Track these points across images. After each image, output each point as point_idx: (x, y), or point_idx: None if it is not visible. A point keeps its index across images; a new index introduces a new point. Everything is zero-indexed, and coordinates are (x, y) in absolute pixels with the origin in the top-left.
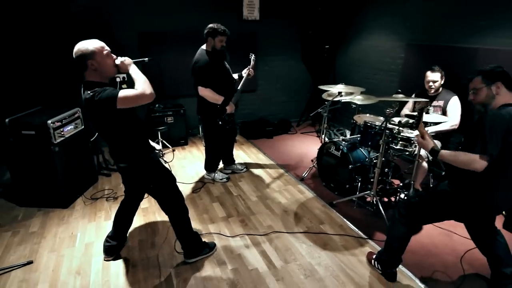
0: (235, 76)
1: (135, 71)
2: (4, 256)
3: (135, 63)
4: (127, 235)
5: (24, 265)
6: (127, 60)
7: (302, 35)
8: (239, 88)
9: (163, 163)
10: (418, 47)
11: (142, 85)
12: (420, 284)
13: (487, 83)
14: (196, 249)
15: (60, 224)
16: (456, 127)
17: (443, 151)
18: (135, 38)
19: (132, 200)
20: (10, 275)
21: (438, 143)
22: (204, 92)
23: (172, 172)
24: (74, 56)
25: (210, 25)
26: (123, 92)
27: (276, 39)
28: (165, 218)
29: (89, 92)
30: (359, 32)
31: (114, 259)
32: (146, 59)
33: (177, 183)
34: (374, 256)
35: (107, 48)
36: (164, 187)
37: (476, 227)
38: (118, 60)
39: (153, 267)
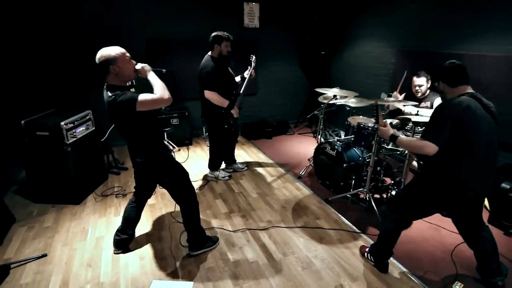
0: (238, 78)
1: (153, 77)
2: (20, 250)
3: (153, 71)
4: (136, 229)
5: (39, 258)
6: (146, 66)
7: (300, 42)
8: (241, 91)
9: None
10: (408, 53)
11: (160, 90)
12: (410, 275)
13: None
14: (201, 242)
15: (72, 219)
16: None
17: (401, 137)
18: (143, 44)
19: (141, 196)
20: (26, 267)
21: None
22: (211, 95)
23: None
24: (97, 61)
25: (214, 33)
26: (143, 96)
27: (275, 45)
28: (171, 214)
29: (110, 94)
30: (353, 39)
31: (123, 252)
32: (164, 70)
33: (189, 177)
34: (366, 249)
35: (128, 54)
36: (178, 181)
37: (462, 221)
38: (139, 65)
39: (160, 260)
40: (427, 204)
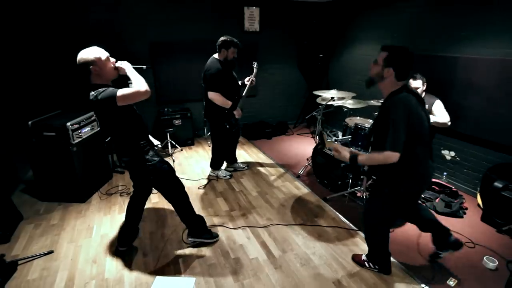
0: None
1: (131, 72)
2: (27, 246)
3: (134, 69)
4: (139, 227)
5: (46, 254)
6: (124, 63)
7: (298, 45)
8: (243, 94)
9: (171, 162)
10: None
11: (137, 83)
12: (405, 271)
13: (385, 63)
14: (199, 229)
15: (78, 217)
16: (449, 123)
17: (360, 156)
18: (146, 47)
19: (140, 194)
20: (33, 264)
21: None
22: (214, 96)
23: (179, 169)
24: (77, 63)
25: (223, 38)
26: (121, 91)
27: (274, 48)
28: (173, 212)
29: (93, 93)
30: (350, 42)
31: (127, 249)
32: (144, 66)
33: (175, 173)
34: (363, 258)
35: (106, 53)
36: (163, 178)
37: (412, 207)
38: (119, 63)
39: (163, 256)
40: (405, 203)
